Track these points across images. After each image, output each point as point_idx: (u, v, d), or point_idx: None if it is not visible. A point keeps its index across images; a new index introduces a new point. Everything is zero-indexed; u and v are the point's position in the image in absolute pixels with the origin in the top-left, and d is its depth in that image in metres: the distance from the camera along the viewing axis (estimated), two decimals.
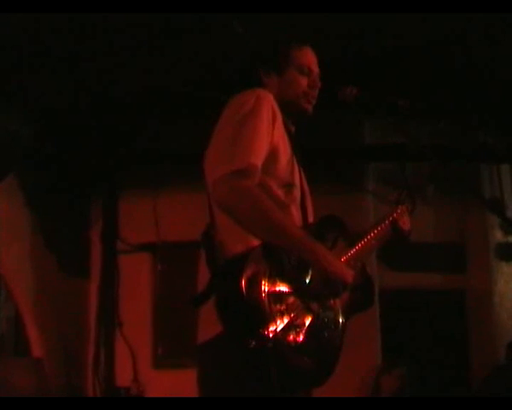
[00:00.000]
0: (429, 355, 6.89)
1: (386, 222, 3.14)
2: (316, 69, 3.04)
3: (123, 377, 7.05)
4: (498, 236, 7.59)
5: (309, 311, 2.63)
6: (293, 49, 3.01)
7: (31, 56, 5.49)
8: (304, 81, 2.98)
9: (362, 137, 7.23)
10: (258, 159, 2.64)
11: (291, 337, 2.53)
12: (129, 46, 5.46)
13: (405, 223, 3.21)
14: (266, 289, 2.48)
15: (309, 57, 3.03)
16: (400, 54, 5.77)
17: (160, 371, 7.01)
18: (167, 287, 7.04)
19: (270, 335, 2.45)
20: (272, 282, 2.51)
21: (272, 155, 2.73)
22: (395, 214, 3.18)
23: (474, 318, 7.38)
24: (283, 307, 2.53)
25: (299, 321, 2.57)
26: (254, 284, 2.47)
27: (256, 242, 2.59)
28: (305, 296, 2.62)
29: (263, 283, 2.48)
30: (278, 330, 2.47)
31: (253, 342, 2.44)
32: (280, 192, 2.76)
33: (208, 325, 2.61)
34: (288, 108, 2.95)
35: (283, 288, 2.56)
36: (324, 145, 6.78)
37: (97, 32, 5.22)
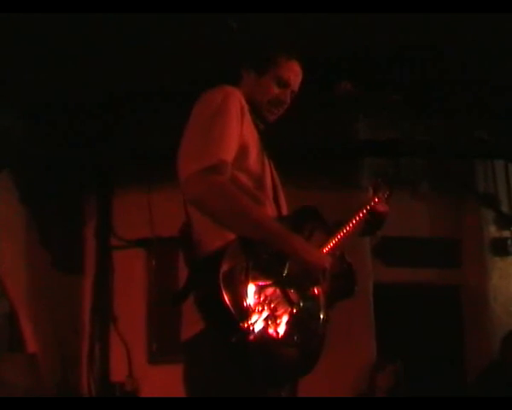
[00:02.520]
0: (424, 350, 6.90)
1: (364, 211, 3.18)
2: (294, 86, 3.03)
3: (117, 373, 7.04)
4: (493, 231, 7.60)
5: (289, 301, 2.65)
6: (280, 57, 2.99)
7: (25, 53, 5.48)
8: (276, 91, 2.98)
9: (357, 133, 7.22)
10: (229, 155, 2.66)
11: (272, 329, 2.55)
12: (123, 42, 5.46)
13: (382, 210, 3.24)
14: (244, 283, 2.51)
15: (292, 71, 3.01)
16: (396, 51, 5.78)
17: (154, 366, 7.00)
18: (161, 282, 7.03)
19: (251, 328, 2.47)
20: (250, 275, 2.54)
21: (242, 150, 2.75)
22: (372, 203, 3.22)
23: (468, 313, 7.40)
24: (262, 300, 2.55)
25: (279, 312, 2.60)
26: (232, 278, 2.49)
27: (232, 236, 2.60)
28: (284, 287, 2.65)
29: (240, 276, 2.51)
30: (259, 322, 2.50)
31: (234, 337, 2.45)
32: (251, 186, 2.78)
33: (191, 322, 2.62)
34: (253, 109, 2.95)
35: (261, 280, 2.59)
36: (319, 141, 6.78)
37: (93, 30, 5.21)
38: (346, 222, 3.06)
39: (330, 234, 2.96)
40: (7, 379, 6.01)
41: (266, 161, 2.92)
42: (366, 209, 3.18)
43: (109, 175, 7.32)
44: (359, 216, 3.13)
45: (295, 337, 2.63)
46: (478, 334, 7.28)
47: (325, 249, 2.88)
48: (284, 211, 2.95)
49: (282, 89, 2.99)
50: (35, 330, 6.71)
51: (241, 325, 2.45)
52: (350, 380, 6.66)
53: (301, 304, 2.69)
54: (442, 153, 7.14)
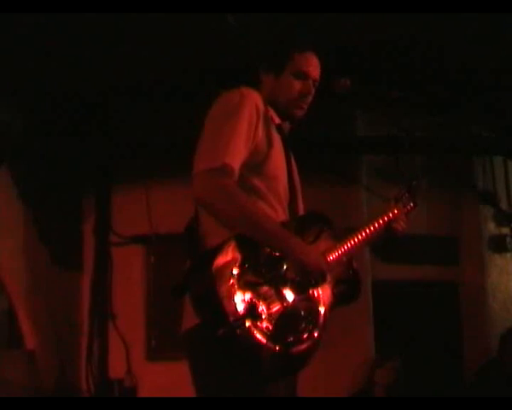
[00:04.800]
0: (422, 348, 6.90)
1: (381, 222, 3.10)
2: (314, 75, 3.02)
3: (116, 370, 7.04)
4: (491, 228, 7.60)
5: (283, 300, 2.68)
6: (295, 52, 3.00)
7: (25, 52, 5.48)
8: (298, 86, 2.98)
9: (355, 129, 7.22)
10: (235, 159, 2.69)
11: (263, 325, 2.58)
12: (119, 37, 5.47)
13: (401, 224, 3.15)
14: (237, 279, 2.55)
15: (309, 62, 3.01)
16: (395, 47, 5.78)
17: (153, 363, 7.00)
18: (160, 279, 7.03)
19: (240, 322, 2.51)
20: (245, 271, 2.59)
21: (256, 151, 2.79)
22: (391, 215, 3.13)
23: (467, 310, 7.40)
24: (255, 296, 2.59)
25: (272, 310, 2.63)
26: (224, 273, 2.54)
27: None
28: (279, 286, 2.67)
29: (233, 272, 2.56)
30: (249, 317, 2.54)
31: (222, 330, 2.50)
32: (263, 187, 2.82)
33: (189, 314, 2.68)
34: (279, 110, 2.99)
35: (256, 277, 2.63)
36: (317, 138, 6.78)
37: (93, 30, 5.22)
38: (359, 231, 3.01)
39: (339, 241, 2.94)
40: (5, 376, 6.01)
41: (285, 162, 2.94)
42: (383, 220, 3.10)
43: (108, 172, 7.31)
44: (374, 227, 3.06)
45: (288, 335, 2.65)
46: (476, 331, 7.28)
47: (331, 256, 2.87)
48: (300, 212, 2.99)
49: (303, 81, 2.99)
50: (33, 326, 6.70)
51: (230, 318, 2.50)
52: (349, 377, 6.66)
53: (297, 304, 2.71)
54: (441, 149, 7.14)
